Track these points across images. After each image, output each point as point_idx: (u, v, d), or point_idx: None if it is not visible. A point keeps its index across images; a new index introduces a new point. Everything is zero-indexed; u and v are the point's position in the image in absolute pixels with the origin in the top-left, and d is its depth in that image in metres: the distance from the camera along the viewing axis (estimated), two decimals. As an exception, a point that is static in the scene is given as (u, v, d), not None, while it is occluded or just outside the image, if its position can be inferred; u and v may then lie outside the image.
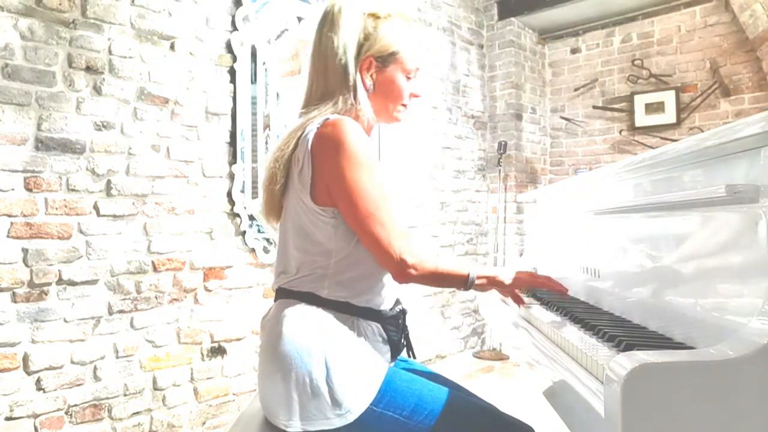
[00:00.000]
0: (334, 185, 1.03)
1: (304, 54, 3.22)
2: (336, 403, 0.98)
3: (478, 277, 1.12)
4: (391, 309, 1.13)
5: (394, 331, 1.12)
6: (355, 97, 1.11)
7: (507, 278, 1.20)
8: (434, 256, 1.09)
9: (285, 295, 1.10)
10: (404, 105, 1.19)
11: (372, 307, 1.09)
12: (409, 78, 1.17)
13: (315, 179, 1.05)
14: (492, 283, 1.17)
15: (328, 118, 1.06)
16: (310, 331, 1.03)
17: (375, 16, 1.14)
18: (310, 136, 1.05)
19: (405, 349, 1.19)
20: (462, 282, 1.11)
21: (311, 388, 0.99)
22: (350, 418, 0.99)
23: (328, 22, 1.13)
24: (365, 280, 1.08)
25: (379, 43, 1.12)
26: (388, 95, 1.16)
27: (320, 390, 0.99)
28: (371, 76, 1.14)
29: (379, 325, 1.09)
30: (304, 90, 1.17)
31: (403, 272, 1.03)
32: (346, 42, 1.11)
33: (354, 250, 1.06)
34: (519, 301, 1.35)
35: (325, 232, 1.06)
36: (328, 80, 1.12)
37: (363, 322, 1.07)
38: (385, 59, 1.14)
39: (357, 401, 1.00)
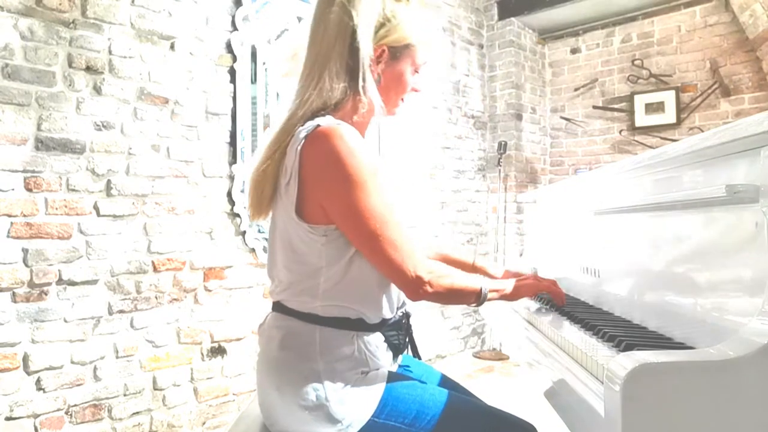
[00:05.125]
0: (331, 206, 0.95)
1: (303, 53, 3.22)
2: (333, 420, 0.96)
3: (490, 291, 1.09)
4: (392, 315, 1.09)
5: (396, 335, 1.10)
6: (362, 87, 1.00)
7: (512, 290, 1.18)
8: (448, 270, 1.05)
9: (280, 309, 1.05)
10: (403, 100, 1.11)
11: (371, 319, 1.03)
12: (415, 72, 1.09)
13: (305, 195, 0.96)
14: (501, 296, 1.15)
15: (319, 125, 0.96)
16: (304, 350, 1.00)
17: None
18: (299, 147, 0.95)
19: (410, 349, 1.18)
20: (475, 297, 1.07)
21: (307, 408, 0.97)
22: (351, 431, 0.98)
23: None
24: (361, 295, 1.02)
25: (398, 33, 1.03)
26: (393, 89, 1.07)
27: (316, 409, 0.97)
28: (380, 66, 1.04)
29: (380, 334, 1.06)
30: (298, 75, 1.06)
31: (418, 290, 0.98)
32: (364, 24, 0.99)
33: (345, 267, 0.99)
34: (561, 300, 1.34)
35: (315, 249, 0.98)
36: (330, 65, 1.00)
37: (362, 336, 1.02)
38: (399, 50, 1.04)
39: (357, 415, 0.98)
